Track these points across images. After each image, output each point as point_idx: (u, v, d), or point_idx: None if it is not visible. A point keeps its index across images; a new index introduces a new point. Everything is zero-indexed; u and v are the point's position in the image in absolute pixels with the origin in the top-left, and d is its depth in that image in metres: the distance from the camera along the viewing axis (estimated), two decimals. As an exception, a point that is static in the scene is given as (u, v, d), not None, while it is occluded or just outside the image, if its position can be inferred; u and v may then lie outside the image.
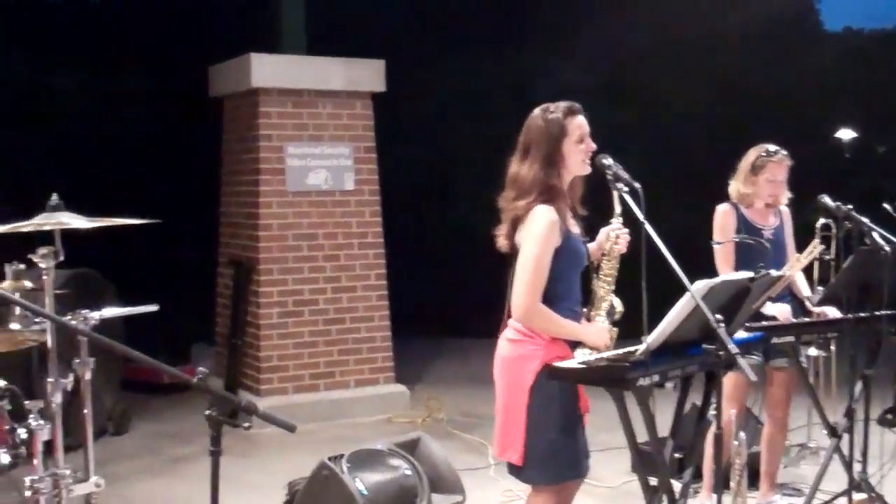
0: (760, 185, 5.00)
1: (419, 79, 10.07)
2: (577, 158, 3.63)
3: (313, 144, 7.93)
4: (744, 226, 4.97)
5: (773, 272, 3.89)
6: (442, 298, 10.59)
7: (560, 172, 3.62)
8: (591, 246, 3.79)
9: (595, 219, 3.80)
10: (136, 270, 8.64)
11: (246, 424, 2.67)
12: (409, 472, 5.03)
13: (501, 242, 3.68)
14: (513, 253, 3.63)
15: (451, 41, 10.61)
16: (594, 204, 3.79)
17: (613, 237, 3.76)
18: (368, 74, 8.10)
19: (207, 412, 2.63)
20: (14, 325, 3.38)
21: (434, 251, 10.77)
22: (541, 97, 3.77)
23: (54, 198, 3.30)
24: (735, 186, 5.07)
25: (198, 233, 9.09)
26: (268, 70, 7.79)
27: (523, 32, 10.37)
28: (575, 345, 3.62)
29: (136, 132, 9.81)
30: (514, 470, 3.67)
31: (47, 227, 3.24)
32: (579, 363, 3.52)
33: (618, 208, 3.73)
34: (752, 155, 5.04)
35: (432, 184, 11.03)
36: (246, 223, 8.07)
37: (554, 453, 3.58)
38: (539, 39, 10.40)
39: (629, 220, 3.63)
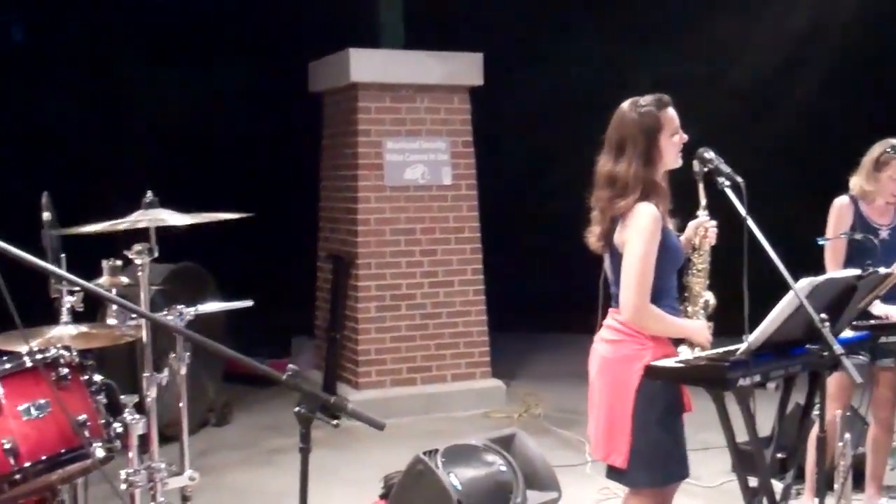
0: (883, 183, 4.78)
1: (518, 72, 9.99)
2: (672, 152, 3.53)
3: (411, 139, 7.94)
4: (860, 222, 4.78)
5: (882, 270, 3.75)
6: (539, 293, 10.50)
7: (658, 168, 3.53)
8: (680, 240, 3.70)
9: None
10: (237, 265, 8.76)
11: (335, 422, 2.67)
12: (504, 468, 4.98)
13: (594, 244, 3.58)
14: (608, 253, 3.56)
15: (551, 33, 10.51)
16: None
17: (702, 231, 3.67)
18: (466, 68, 8.08)
19: (297, 409, 2.62)
20: (111, 321, 3.44)
21: (531, 246, 10.68)
22: (640, 89, 3.67)
23: (149, 195, 3.35)
24: (857, 182, 4.86)
25: (298, 228, 9.19)
26: (366, 65, 7.83)
27: (624, 23, 10.19)
28: (678, 343, 3.53)
29: (236, 127, 9.94)
30: (617, 473, 3.56)
31: (141, 225, 3.28)
32: (678, 362, 3.44)
33: (703, 200, 3.64)
34: (876, 150, 4.83)
35: (531, 178, 10.94)
36: (344, 218, 8.13)
37: (659, 455, 3.49)
38: (639, 31, 10.22)
39: (729, 213, 3.53)
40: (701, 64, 9.87)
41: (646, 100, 3.52)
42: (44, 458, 2.73)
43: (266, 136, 10.04)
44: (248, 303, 3.91)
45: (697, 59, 9.93)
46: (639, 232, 3.41)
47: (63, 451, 2.76)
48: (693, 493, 5.58)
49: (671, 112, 3.53)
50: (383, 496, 5.20)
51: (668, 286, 3.56)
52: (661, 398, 3.46)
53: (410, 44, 8.31)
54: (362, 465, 6.27)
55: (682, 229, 3.69)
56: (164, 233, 3.58)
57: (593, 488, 5.68)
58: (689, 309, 3.64)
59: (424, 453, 4.90)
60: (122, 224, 3.30)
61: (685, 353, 3.51)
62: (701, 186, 3.57)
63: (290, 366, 2.72)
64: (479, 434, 5.39)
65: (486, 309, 8.20)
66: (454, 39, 8.25)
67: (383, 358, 7.85)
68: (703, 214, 3.67)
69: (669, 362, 3.43)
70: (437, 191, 8.03)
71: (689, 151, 3.60)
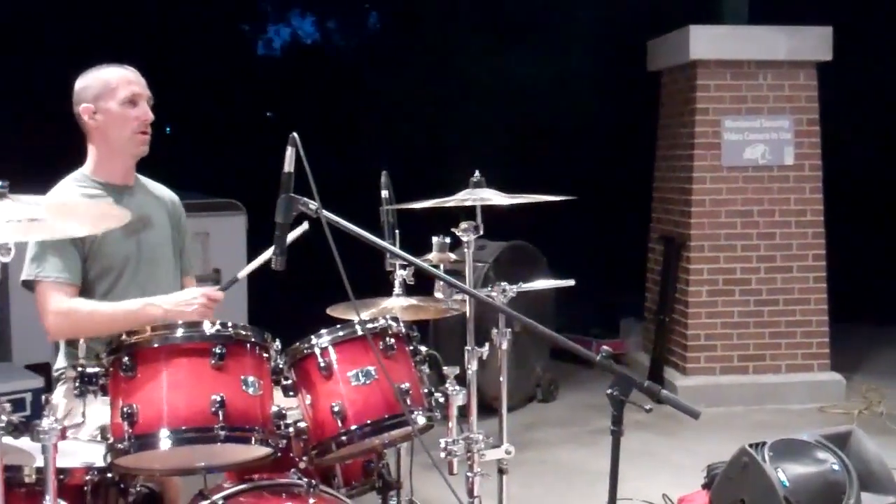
0: None
1: (868, 45, 9.35)
2: None
3: (751, 117, 7.66)
4: None
5: None
6: (888, 282, 9.82)
7: None
8: None
9: None
10: (571, 244, 8.87)
11: (647, 406, 2.63)
12: (836, 468, 4.70)
13: None
14: None
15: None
16: None
17: None
18: (813, 42, 7.67)
19: (609, 391, 2.62)
20: (438, 294, 3.58)
21: (882, 231, 10.00)
22: None
23: (477, 174, 3.44)
24: None
25: (631, 208, 9.15)
26: (707, 42, 7.63)
27: None
28: None
29: (574, 107, 10.02)
30: None
31: (467, 204, 3.38)
32: None
33: None
34: None
35: (882, 158, 10.22)
36: (678, 199, 7.99)
37: None
38: None
39: None
40: None
41: None
42: (368, 422, 2.87)
43: (603, 115, 10.06)
44: (570, 282, 3.92)
45: None
46: None
47: (386, 416, 2.89)
48: None
49: None
50: (706, 486, 5.08)
51: None
52: None
53: (754, 18, 8.01)
54: (687, 452, 6.17)
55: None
56: (500, 211, 3.65)
57: (939, 496, 5.24)
58: None
59: (751, 445, 4.73)
60: (450, 202, 3.40)
61: None
62: None
63: (605, 347, 2.73)
64: (812, 429, 5.12)
65: (827, 297, 7.78)
66: (801, 12, 7.85)
67: (713, 344, 7.65)
68: None
69: None
70: (778, 171, 7.70)
71: None
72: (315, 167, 2.88)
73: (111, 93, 3.54)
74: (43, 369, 6.22)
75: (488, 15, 10.08)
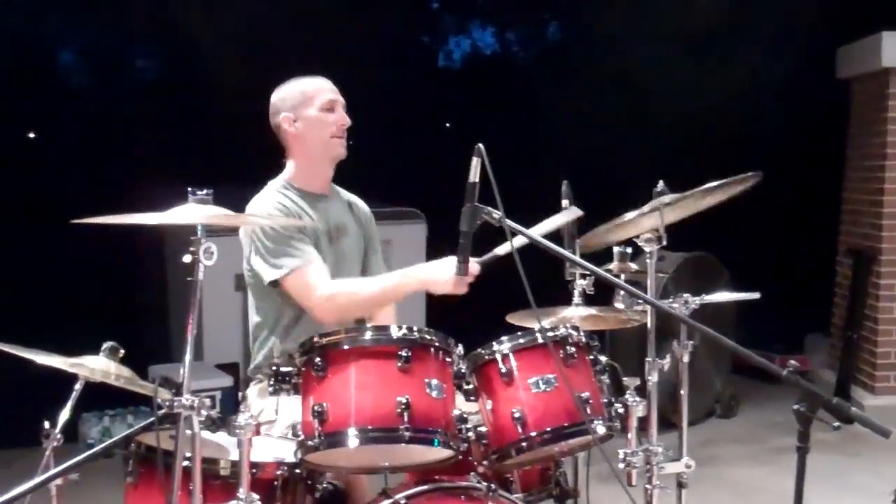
0: None
1: None
2: None
3: (944, 126, 7.35)
4: None
5: None
6: None
7: None
8: None
9: None
10: (753, 256, 8.66)
11: (835, 424, 2.57)
12: None
13: None
14: None
15: None
16: None
17: None
18: None
19: (796, 407, 2.56)
20: (618, 305, 3.58)
21: None
22: None
23: (661, 184, 3.41)
24: None
25: (818, 219, 8.87)
26: (900, 49, 7.35)
27: None
28: None
29: (759, 115, 9.79)
30: None
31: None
32: None
33: None
34: None
35: None
36: (869, 211, 7.71)
37: None
38: None
39: None
40: None
41: None
42: (548, 429, 2.88)
43: (790, 124, 9.79)
44: (755, 295, 3.84)
45: None
46: None
47: (566, 424, 2.90)
48: None
49: None
50: (892, 510, 4.89)
51: None
52: None
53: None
54: (874, 474, 5.93)
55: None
56: (680, 221, 3.60)
57: None
58: None
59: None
60: (630, 215, 3.37)
61: None
62: None
63: (791, 362, 2.68)
64: None
65: None
66: None
67: (904, 363, 7.36)
68: None
69: None
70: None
71: None
72: (497, 177, 2.94)
73: (309, 101, 3.71)
74: (231, 369, 6.53)
75: (669, 22, 9.94)
